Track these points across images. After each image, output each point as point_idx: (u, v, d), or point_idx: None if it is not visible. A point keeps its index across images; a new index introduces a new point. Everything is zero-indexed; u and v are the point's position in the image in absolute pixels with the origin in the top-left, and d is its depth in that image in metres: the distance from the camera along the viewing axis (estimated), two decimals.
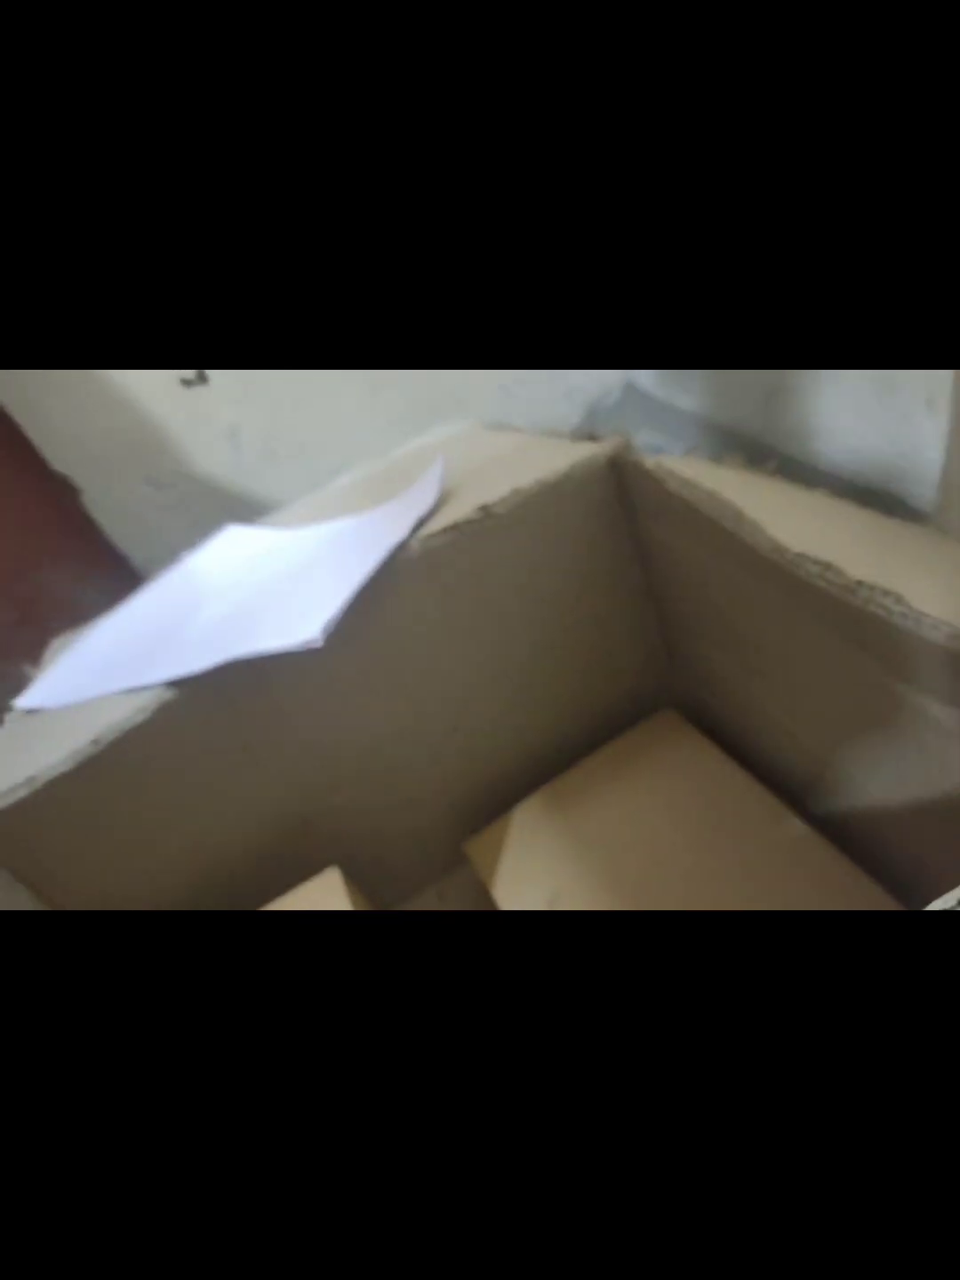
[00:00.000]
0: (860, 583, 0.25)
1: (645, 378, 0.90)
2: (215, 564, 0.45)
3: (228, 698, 0.34)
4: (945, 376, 0.53)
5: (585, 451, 0.38)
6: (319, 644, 0.30)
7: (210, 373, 0.70)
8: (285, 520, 0.48)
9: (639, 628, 0.44)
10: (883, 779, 0.30)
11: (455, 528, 0.36)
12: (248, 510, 0.61)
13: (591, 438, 0.41)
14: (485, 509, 0.37)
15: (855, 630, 0.27)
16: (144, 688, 0.32)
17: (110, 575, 0.73)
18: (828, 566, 0.26)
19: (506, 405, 0.86)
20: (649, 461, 0.36)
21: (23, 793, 0.31)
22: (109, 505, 0.73)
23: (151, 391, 0.70)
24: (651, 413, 0.91)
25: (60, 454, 0.70)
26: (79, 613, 0.61)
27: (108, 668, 0.37)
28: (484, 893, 0.40)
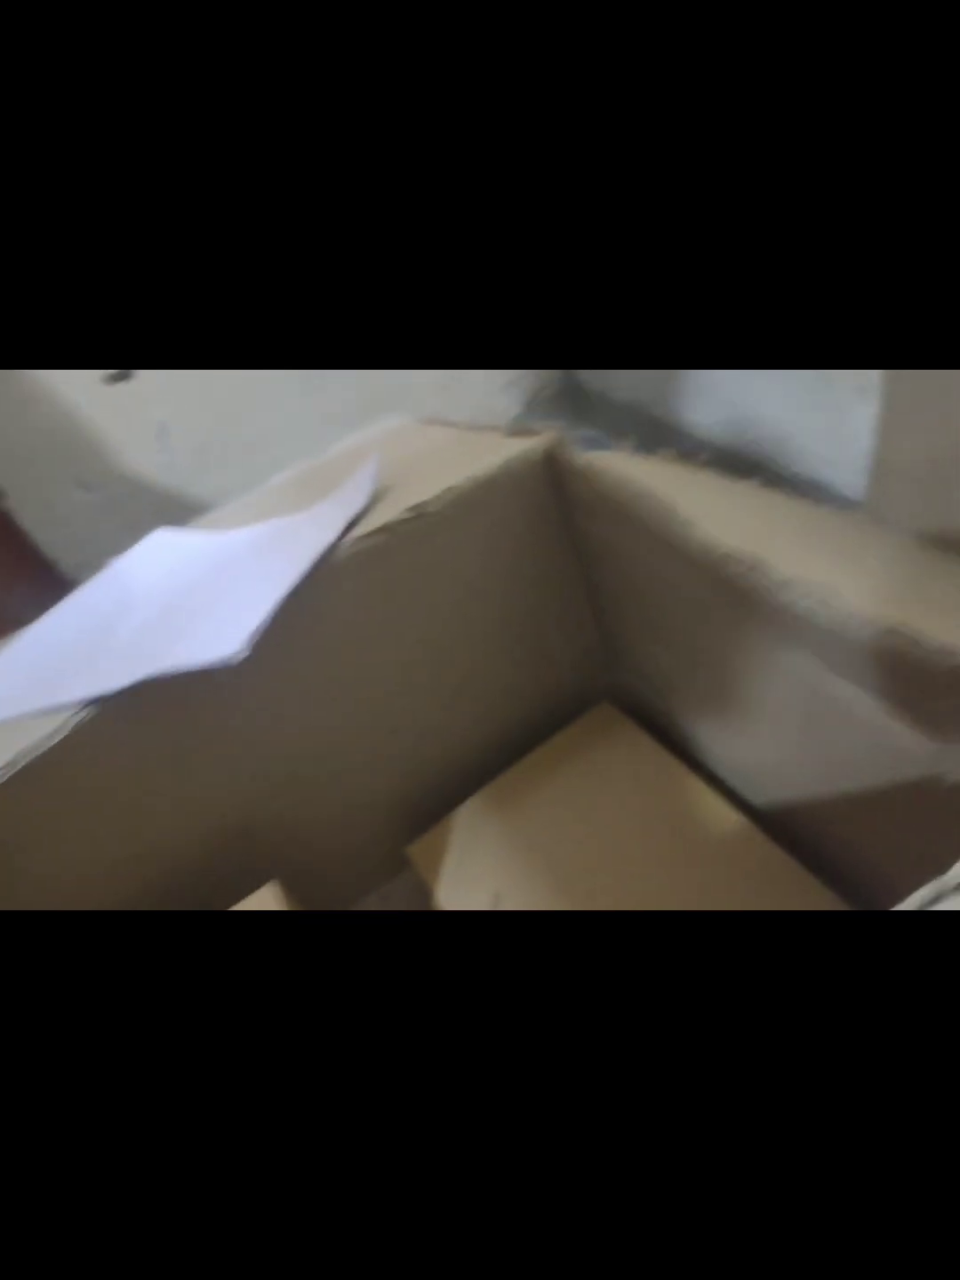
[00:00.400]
0: (788, 580, 0.25)
1: (583, 370, 0.90)
2: (143, 569, 0.44)
3: (151, 712, 0.33)
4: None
5: (519, 447, 0.38)
6: (239, 658, 0.29)
7: (135, 369, 0.68)
8: (216, 522, 0.47)
9: (575, 623, 0.43)
10: (818, 772, 0.31)
11: (387, 529, 0.36)
12: (183, 511, 0.59)
13: (527, 432, 0.40)
14: (418, 509, 0.36)
15: (786, 626, 0.27)
16: (62, 707, 0.31)
17: (38, 582, 0.70)
18: (756, 564, 0.26)
19: (446, 399, 0.85)
20: (581, 458, 0.36)
21: None
22: (36, 509, 0.70)
23: (74, 389, 0.67)
24: (589, 405, 0.91)
25: None
26: (3, 622, 0.58)
27: (27, 684, 0.36)
28: (427, 896, 0.40)
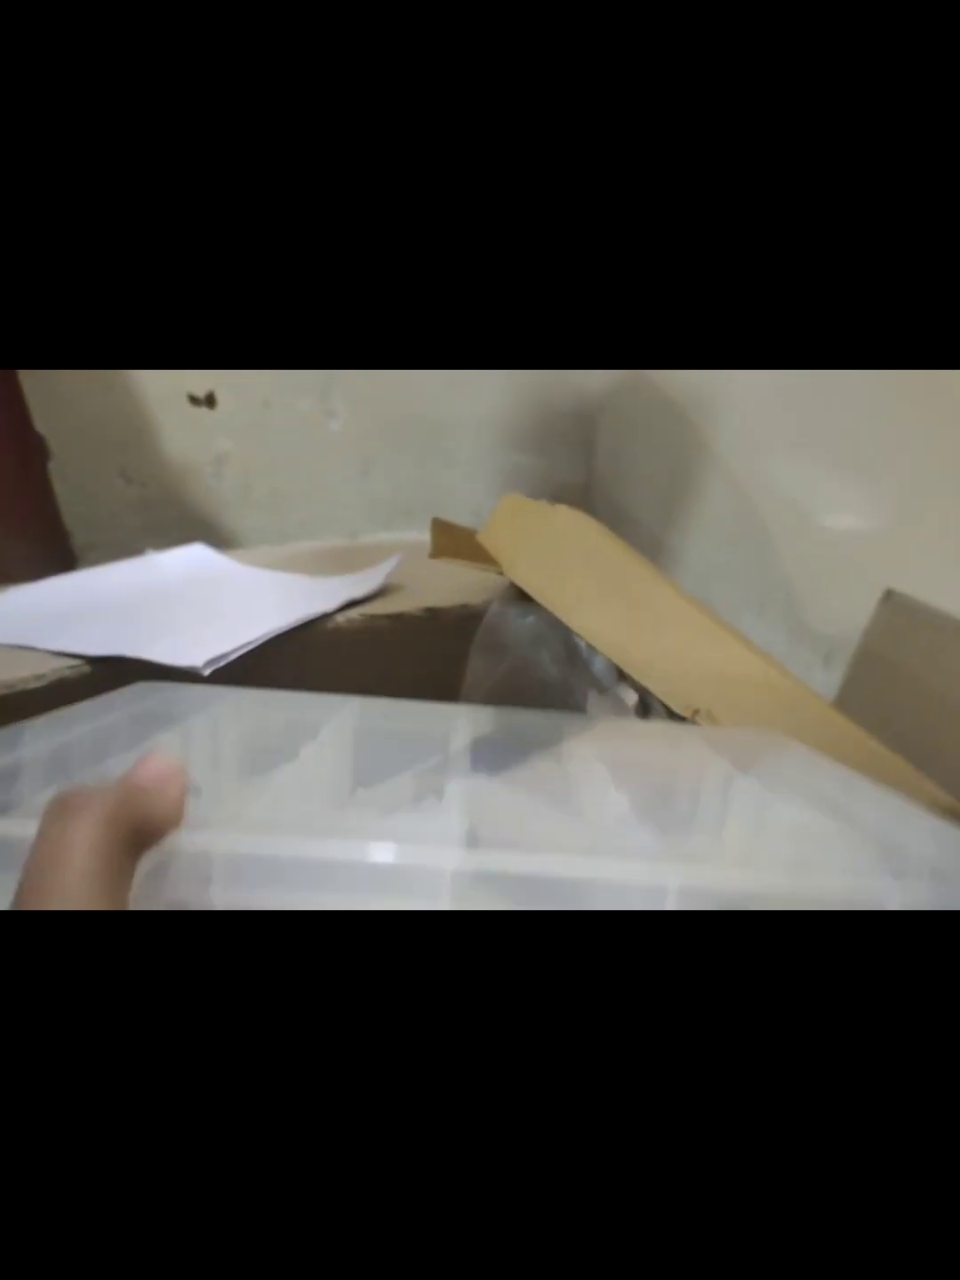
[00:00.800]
0: None
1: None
2: (173, 570, 0.48)
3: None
4: None
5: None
6: (201, 672, 0.32)
7: (219, 400, 0.73)
8: (246, 559, 0.51)
9: None
10: None
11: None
12: (205, 533, 0.62)
13: None
14: (432, 611, 0.39)
15: None
16: (40, 650, 0.34)
17: (46, 544, 0.72)
18: None
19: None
20: None
21: None
22: (74, 481, 0.73)
23: (160, 397, 0.71)
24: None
25: (46, 415, 0.70)
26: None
27: (25, 623, 0.38)
28: None
